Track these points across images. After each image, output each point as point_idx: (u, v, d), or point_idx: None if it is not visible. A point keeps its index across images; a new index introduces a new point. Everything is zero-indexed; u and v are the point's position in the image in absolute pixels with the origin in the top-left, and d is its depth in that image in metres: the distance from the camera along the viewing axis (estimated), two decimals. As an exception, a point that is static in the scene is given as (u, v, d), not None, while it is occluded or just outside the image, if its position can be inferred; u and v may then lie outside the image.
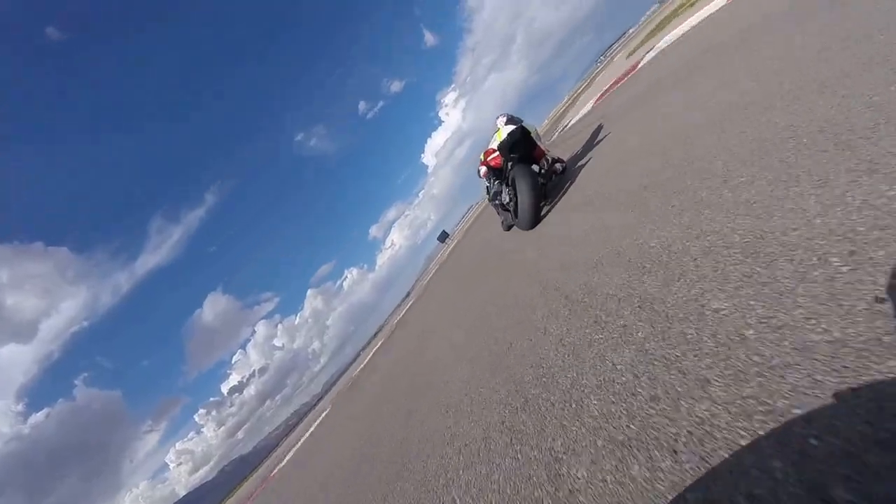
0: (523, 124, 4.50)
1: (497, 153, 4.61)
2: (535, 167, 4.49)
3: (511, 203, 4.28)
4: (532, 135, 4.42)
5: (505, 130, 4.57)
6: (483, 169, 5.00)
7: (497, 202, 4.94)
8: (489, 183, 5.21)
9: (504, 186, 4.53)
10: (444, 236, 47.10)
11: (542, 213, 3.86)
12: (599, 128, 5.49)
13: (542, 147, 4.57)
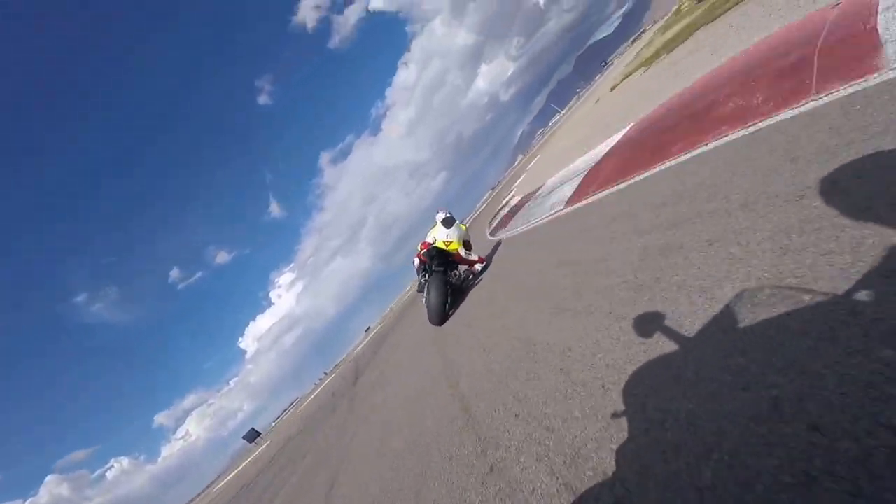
0: (439, 242, 5.72)
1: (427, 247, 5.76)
2: (454, 271, 5.72)
3: (425, 303, 5.25)
4: (454, 244, 5.70)
5: (439, 230, 5.92)
6: (417, 262, 5.95)
7: (423, 296, 5.70)
8: (419, 275, 6.02)
9: (425, 286, 5.48)
10: (252, 435, 40.79)
11: (450, 311, 5.08)
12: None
13: (461, 254, 5.69)
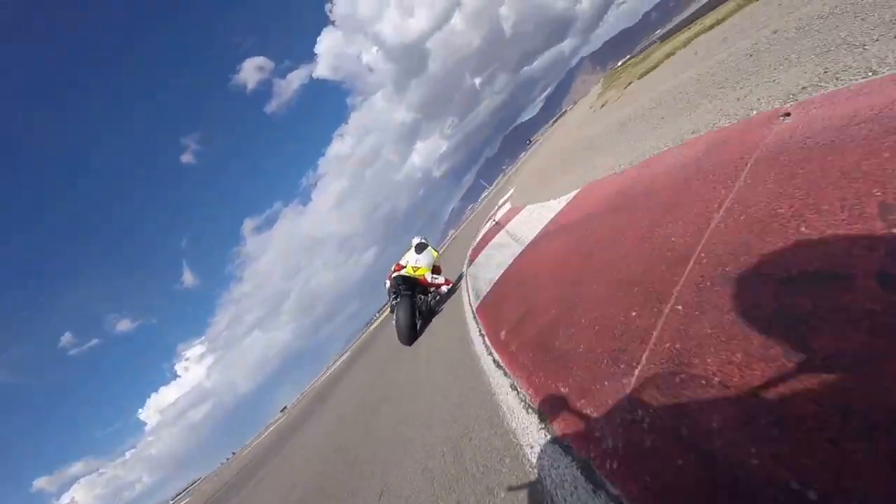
0: (409, 268, 6.18)
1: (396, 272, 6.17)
2: (421, 295, 6.00)
3: (395, 324, 5.62)
4: (422, 269, 6.13)
5: (411, 255, 6.40)
6: (388, 283, 6.20)
7: (393, 317, 6.05)
8: (389, 297, 6.25)
9: (395, 308, 5.85)
10: None
11: (419, 330, 5.40)
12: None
13: (426, 279, 6.06)
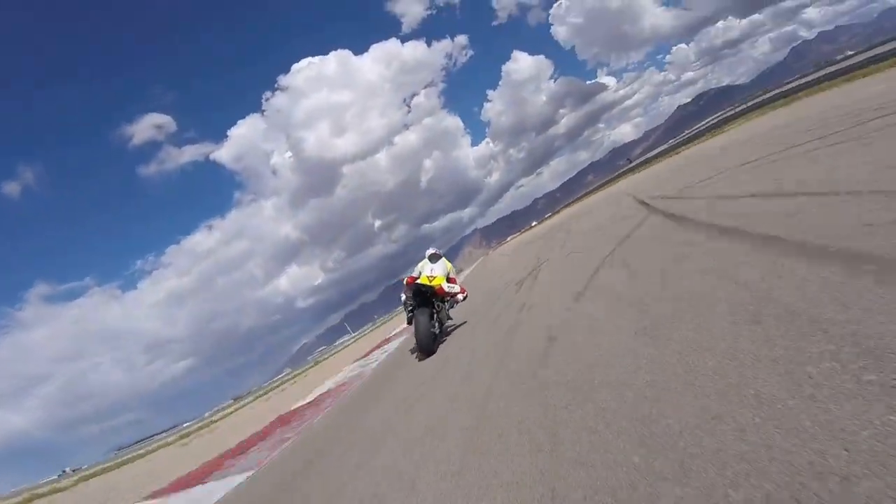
0: (424, 277, 6.27)
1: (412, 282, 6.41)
2: (438, 303, 6.23)
3: (415, 335, 5.84)
4: (438, 279, 6.22)
5: (426, 265, 6.54)
6: (403, 297, 6.67)
7: (413, 326, 6.17)
8: (405, 309, 6.66)
9: (413, 319, 6.07)
10: None
11: (437, 342, 5.74)
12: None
13: (443, 287, 6.15)
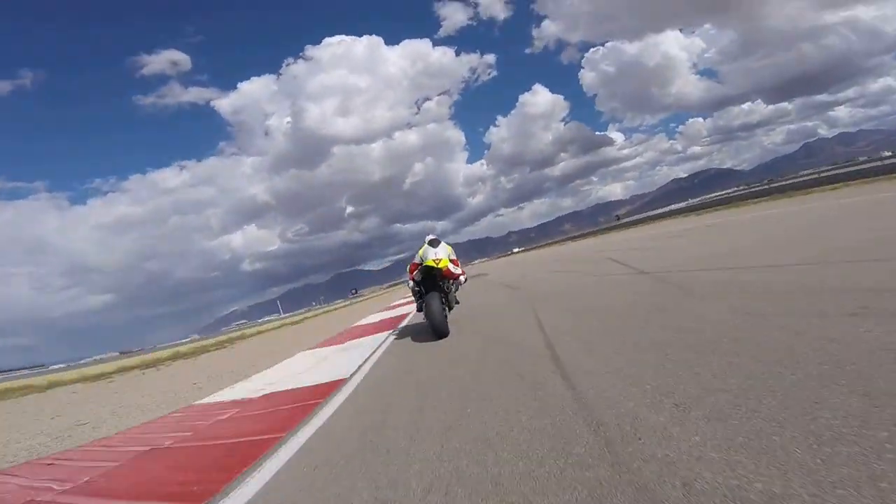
0: (429, 261, 6.26)
1: (416, 268, 6.46)
2: (445, 286, 6.39)
3: (427, 320, 5.99)
4: (444, 261, 6.25)
5: (428, 250, 6.41)
6: (411, 283, 6.62)
7: (423, 312, 6.35)
8: (413, 295, 6.77)
9: (423, 304, 6.21)
10: None
11: (448, 325, 5.82)
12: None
13: (450, 269, 6.26)
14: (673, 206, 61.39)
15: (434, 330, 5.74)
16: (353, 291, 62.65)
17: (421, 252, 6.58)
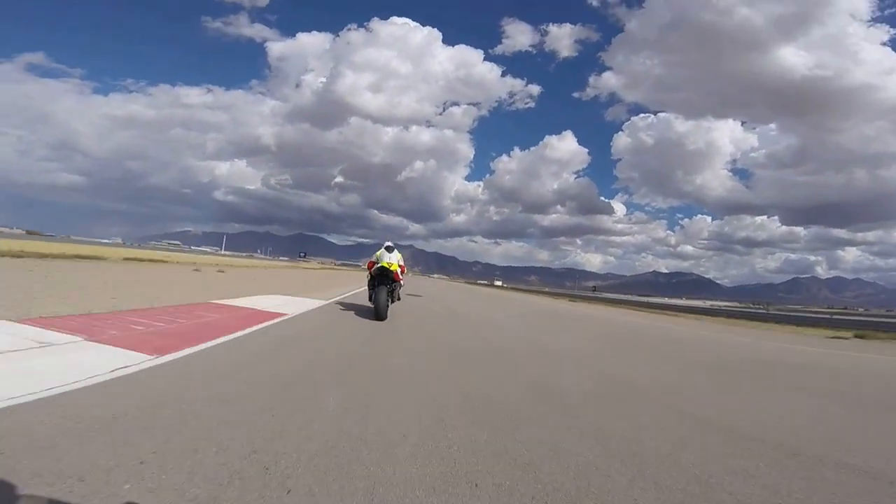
0: (384, 262, 8.41)
1: (373, 266, 8.60)
2: (391, 285, 8.45)
3: (373, 304, 8.09)
4: (394, 265, 8.42)
5: (384, 254, 8.62)
6: (368, 276, 8.81)
7: (371, 300, 8.42)
8: (368, 286, 8.83)
9: (373, 293, 8.29)
10: None
11: (388, 312, 7.91)
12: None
13: (397, 273, 8.49)
14: (652, 298, 60.58)
15: (377, 314, 7.65)
16: (302, 255, 61.33)
17: (379, 254, 8.77)
